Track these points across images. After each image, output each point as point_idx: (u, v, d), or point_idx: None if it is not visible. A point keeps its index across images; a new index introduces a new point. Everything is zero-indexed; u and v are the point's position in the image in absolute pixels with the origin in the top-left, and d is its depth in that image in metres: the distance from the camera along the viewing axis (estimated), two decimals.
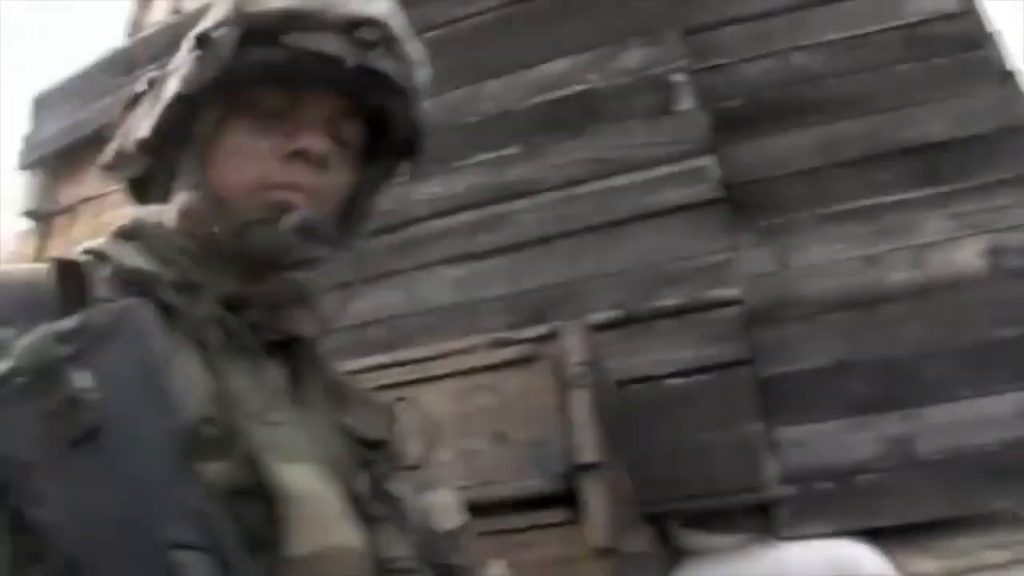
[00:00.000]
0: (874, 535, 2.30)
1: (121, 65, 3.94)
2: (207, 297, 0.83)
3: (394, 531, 0.84)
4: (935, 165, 2.57)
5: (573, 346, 1.91)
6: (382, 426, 0.92)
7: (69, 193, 3.98)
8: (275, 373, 0.86)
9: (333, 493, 0.79)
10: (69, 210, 3.94)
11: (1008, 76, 2.68)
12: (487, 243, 2.64)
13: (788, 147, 2.61)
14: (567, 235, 2.58)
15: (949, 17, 2.74)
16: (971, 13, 2.74)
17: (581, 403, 1.85)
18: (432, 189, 2.71)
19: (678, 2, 2.75)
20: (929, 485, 2.34)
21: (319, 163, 0.84)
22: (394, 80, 0.87)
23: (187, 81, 0.86)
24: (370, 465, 0.87)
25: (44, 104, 4.17)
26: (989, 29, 2.74)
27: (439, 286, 2.62)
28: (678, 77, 2.63)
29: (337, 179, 0.87)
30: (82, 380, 0.68)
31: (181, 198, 0.88)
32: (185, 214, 0.87)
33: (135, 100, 0.94)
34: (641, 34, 2.71)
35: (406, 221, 2.66)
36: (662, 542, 2.36)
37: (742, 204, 2.55)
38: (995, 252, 2.48)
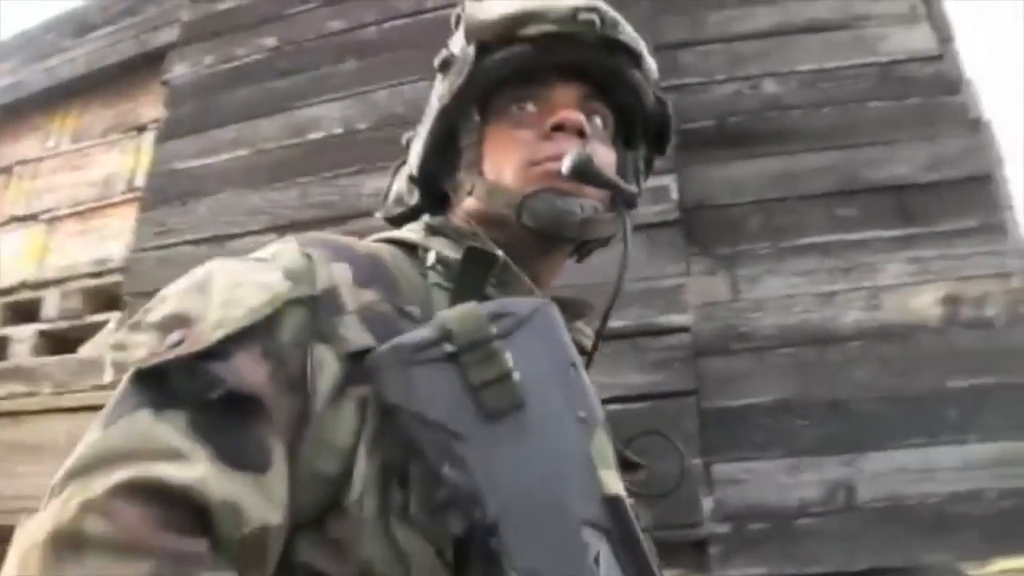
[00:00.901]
0: None
1: (72, 27, 3.78)
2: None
3: None
4: (899, 207, 2.51)
5: None
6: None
7: (5, 153, 3.81)
8: None
9: None
10: (5, 171, 3.77)
11: (980, 124, 2.63)
12: None
13: (751, 175, 2.53)
14: None
15: (926, 59, 2.69)
16: (948, 57, 2.70)
17: None
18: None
19: (651, 17, 2.65)
20: (868, 533, 2.26)
21: (579, 132, 0.91)
22: (630, 46, 0.96)
23: (442, 97, 0.97)
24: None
25: None
26: (965, 75, 2.70)
27: None
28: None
29: (599, 150, 0.93)
30: (510, 359, 0.72)
31: (461, 205, 0.96)
32: (471, 214, 0.94)
33: (399, 166, 1.07)
34: None
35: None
36: None
37: (699, 229, 2.46)
38: (952, 300, 2.43)
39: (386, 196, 1.08)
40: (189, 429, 0.67)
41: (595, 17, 0.93)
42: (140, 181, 3.34)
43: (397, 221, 1.03)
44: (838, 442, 2.31)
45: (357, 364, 0.74)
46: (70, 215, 3.51)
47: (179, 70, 3.10)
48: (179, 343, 0.70)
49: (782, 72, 2.66)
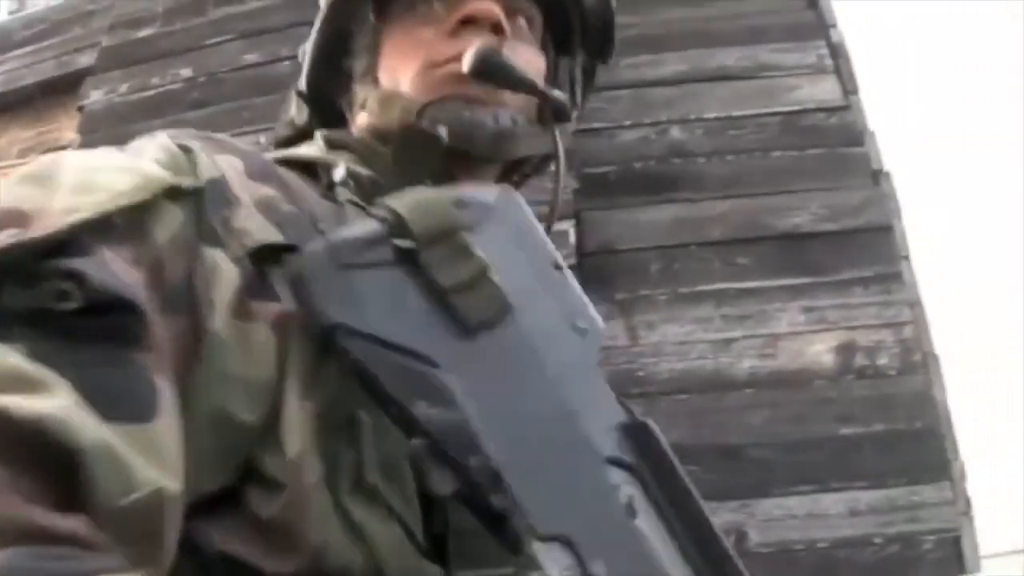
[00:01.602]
0: None
1: None
2: None
3: None
4: (797, 255, 2.56)
5: None
6: None
7: None
8: None
9: None
10: None
11: (880, 175, 2.70)
12: None
13: (652, 220, 2.57)
14: None
15: (831, 110, 2.76)
16: (852, 108, 2.76)
17: None
18: None
19: None
20: None
21: (493, 28, 0.73)
22: None
23: None
24: None
25: None
26: (868, 126, 2.77)
27: None
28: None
29: (523, 51, 0.75)
30: (485, 255, 0.55)
31: (355, 122, 0.79)
32: (365, 131, 0.77)
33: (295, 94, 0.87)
34: None
35: None
36: None
37: (599, 273, 2.49)
38: (844, 349, 2.48)
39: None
40: (33, 359, 0.46)
41: None
42: None
43: (286, 145, 0.85)
44: (730, 488, 2.35)
45: (262, 270, 0.56)
46: None
47: (95, 96, 3.09)
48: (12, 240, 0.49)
49: (689, 119, 2.71)
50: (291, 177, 0.69)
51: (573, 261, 2.41)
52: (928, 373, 2.48)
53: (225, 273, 0.55)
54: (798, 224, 2.59)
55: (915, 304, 2.56)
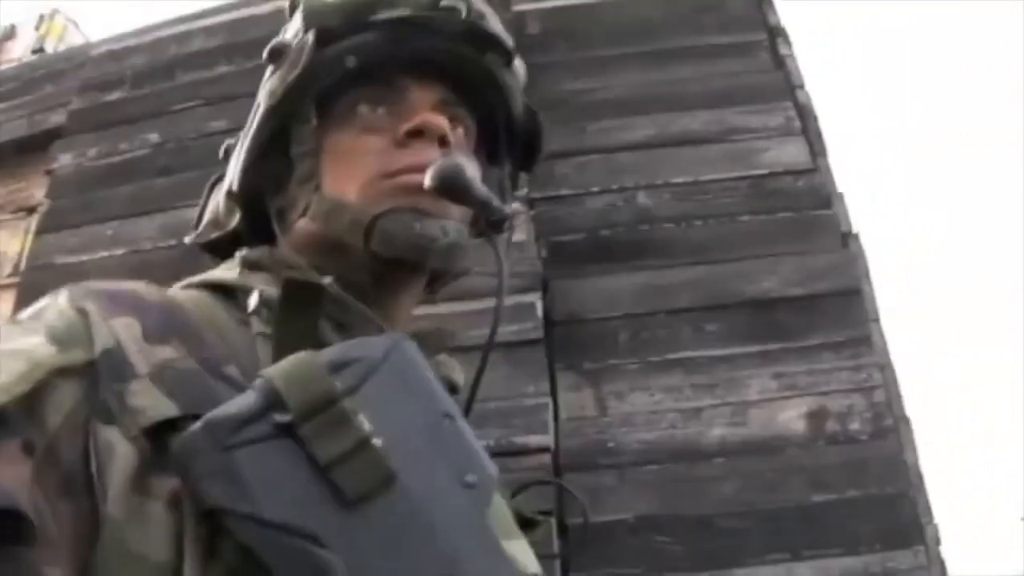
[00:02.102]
0: None
1: None
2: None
3: None
4: (767, 321, 2.55)
5: None
6: None
7: None
8: None
9: None
10: None
11: (849, 238, 2.70)
12: None
13: (620, 288, 2.56)
14: None
15: (799, 173, 2.76)
16: (820, 171, 2.77)
17: None
18: None
19: None
20: None
21: (441, 140, 0.77)
22: (499, 39, 0.82)
23: (273, 93, 0.79)
24: None
25: None
26: (836, 189, 2.77)
27: None
28: (515, 206, 2.56)
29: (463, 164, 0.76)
30: (365, 422, 0.56)
31: (292, 230, 0.79)
32: (304, 241, 0.78)
33: (216, 181, 0.88)
34: None
35: None
36: None
37: (567, 343, 2.48)
38: (816, 415, 2.47)
39: (199, 218, 0.89)
40: None
41: (460, 4, 0.80)
42: None
43: (214, 248, 0.86)
44: (702, 558, 2.33)
45: (159, 444, 0.56)
46: None
47: (64, 160, 3.07)
48: None
49: (657, 184, 2.70)
50: (203, 308, 0.70)
51: (539, 335, 2.40)
52: (900, 437, 2.47)
53: (120, 452, 0.55)
54: (767, 289, 2.59)
55: (885, 367, 2.55)
